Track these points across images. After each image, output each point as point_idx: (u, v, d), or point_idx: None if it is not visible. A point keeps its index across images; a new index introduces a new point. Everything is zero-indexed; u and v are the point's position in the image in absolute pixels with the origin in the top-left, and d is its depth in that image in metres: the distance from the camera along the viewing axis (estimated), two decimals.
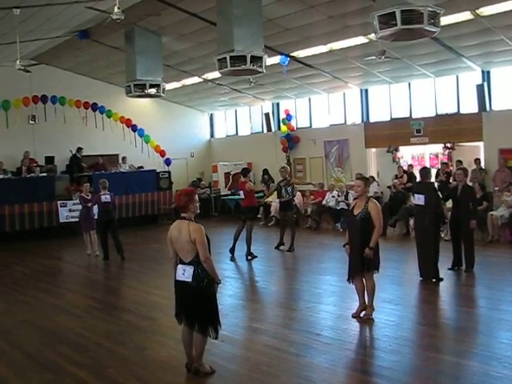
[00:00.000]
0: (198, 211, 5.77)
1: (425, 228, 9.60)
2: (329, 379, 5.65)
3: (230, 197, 20.76)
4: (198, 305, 5.62)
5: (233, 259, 12.36)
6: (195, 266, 5.54)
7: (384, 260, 10.56)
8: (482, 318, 7.69)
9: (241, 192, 12.87)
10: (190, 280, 5.53)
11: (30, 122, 19.08)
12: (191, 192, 5.84)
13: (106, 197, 13.15)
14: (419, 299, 8.95)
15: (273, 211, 18.25)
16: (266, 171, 20.65)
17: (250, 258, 12.28)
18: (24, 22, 12.66)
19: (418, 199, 9.58)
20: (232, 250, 12.53)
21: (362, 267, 7.30)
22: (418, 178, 10.20)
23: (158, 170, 20.74)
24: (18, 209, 16.83)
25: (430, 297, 8.97)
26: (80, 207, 14.13)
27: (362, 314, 7.47)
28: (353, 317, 7.46)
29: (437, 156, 17.62)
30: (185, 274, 5.56)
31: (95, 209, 13.68)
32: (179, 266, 5.65)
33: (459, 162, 15.95)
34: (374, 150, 19.00)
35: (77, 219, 15.11)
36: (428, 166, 17.11)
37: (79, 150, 19.32)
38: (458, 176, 10.32)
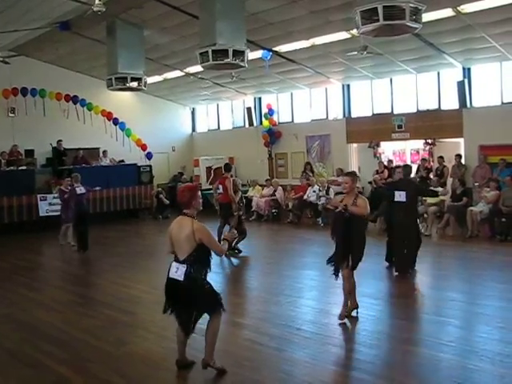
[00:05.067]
0: (201, 208, 5.69)
1: (406, 224, 9.67)
2: (309, 373, 5.68)
3: (211, 191, 20.67)
4: (192, 301, 5.51)
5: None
6: (188, 266, 5.43)
7: (364, 254, 10.70)
8: (460, 313, 7.77)
9: (220, 186, 12.76)
10: (181, 279, 5.44)
11: (10, 114, 18.83)
12: (194, 188, 5.75)
13: (80, 189, 13.42)
14: (399, 293, 9.02)
15: (254, 206, 18.29)
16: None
17: (236, 252, 12.26)
18: (3, 13, 12.51)
19: (400, 196, 9.62)
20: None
21: (346, 264, 7.19)
22: (398, 175, 10.15)
23: (139, 164, 20.63)
24: None
25: (409, 291, 9.04)
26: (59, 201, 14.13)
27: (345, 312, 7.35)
28: (342, 318, 7.21)
29: (418, 152, 17.75)
30: (177, 272, 5.47)
31: None
32: (173, 264, 5.57)
33: (440, 157, 16.13)
34: (355, 145, 19.08)
35: (57, 213, 15.04)
36: (409, 162, 17.28)
37: (58, 142, 19.16)
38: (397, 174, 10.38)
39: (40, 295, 9.53)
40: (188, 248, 5.42)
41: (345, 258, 7.17)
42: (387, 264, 10.39)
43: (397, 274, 9.74)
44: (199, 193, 5.70)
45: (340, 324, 7.13)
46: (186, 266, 5.43)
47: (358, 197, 7.26)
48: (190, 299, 5.50)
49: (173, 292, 5.61)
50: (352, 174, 7.59)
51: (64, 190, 13.87)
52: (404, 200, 9.61)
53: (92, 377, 5.76)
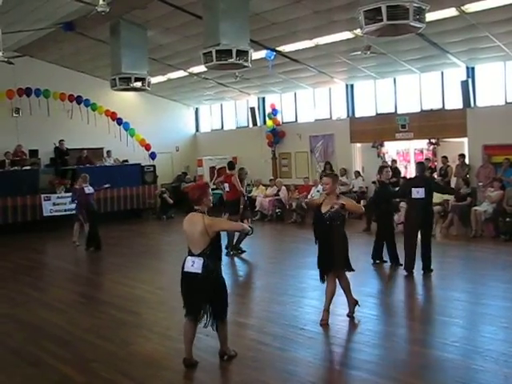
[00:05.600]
0: (211, 205, 5.91)
1: (424, 221, 9.73)
2: (313, 373, 5.68)
3: (215, 191, 20.69)
4: (210, 297, 5.70)
5: (229, 254, 12.21)
6: (205, 258, 5.62)
7: (368, 254, 10.70)
8: (464, 312, 7.75)
9: (226, 185, 12.74)
10: (199, 271, 5.61)
11: (14, 114, 18.89)
12: (205, 186, 6.07)
13: (88, 188, 13.69)
14: (402, 293, 9.01)
15: (258, 206, 18.30)
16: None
17: (239, 252, 12.26)
18: (7, 13, 12.53)
19: (418, 193, 9.64)
20: (227, 247, 12.26)
21: (331, 266, 7.05)
22: (406, 173, 10.34)
23: (142, 164, 20.64)
24: (1, 202, 16.69)
25: (412, 291, 9.04)
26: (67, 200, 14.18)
27: (348, 313, 7.36)
28: (321, 325, 7.02)
29: (422, 151, 17.73)
30: (194, 265, 5.65)
31: None
32: (188, 258, 5.74)
33: (444, 157, 16.11)
34: (359, 145, 19.07)
35: (62, 213, 15.15)
36: (413, 161, 17.28)
37: (60, 142, 19.19)
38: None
39: (44, 295, 9.55)
40: (203, 242, 5.63)
41: (328, 260, 7.03)
42: (372, 262, 10.62)
43: (406, 273, 9.71)
44: (210, 190, 5.94)
45: (343, 323, 7.13)
46: (202, 258, 5.63)
47: (339, 198, 7.09)
48: (206, 291, 5.66)
49: (189, 286, 5.74)
50: (332, 175, 7.45)
51: (77, 189, 14.02)
52: (422, 196, 9.64)
53: (95, 376, 5.77)
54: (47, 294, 9.63)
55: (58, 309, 8.55)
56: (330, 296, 7.14)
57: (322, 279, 7.19)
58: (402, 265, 10.05)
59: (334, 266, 7.04)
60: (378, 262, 10.67)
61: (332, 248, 6.95)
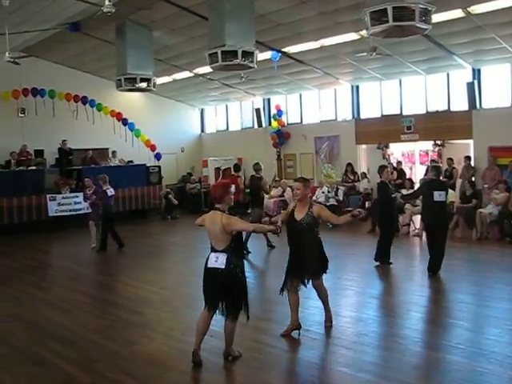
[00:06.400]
0: (232, 203, 6.01)
1: (443, 224, 9.83)
2: (317, 374, 5.67)
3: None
4: (229, 292, 5.75)
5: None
6: (228, 254, 5.71)
7: (372, 256, 10.68)
8: (469, 315, 7.72)
9: (233, 186, 12.80)
10: (222, 267, 5.68)
11: (20, 114, 18.94)
12: (227, 184, 6.20)
13: (111, 190, 13.66)
14: (406, 295, 8.98)
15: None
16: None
17: (245, 252, 12.29)
18: (13, 14, 12.57)
19: (440, 196, 9.66)
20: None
21: (302, 276, 6.74)
22: (411, 175, 10.41)
23: (147, 165, 20.67)
24: (7, 202, 16.73)
25: (418, 293, 9.00)
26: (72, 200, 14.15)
27: (325, 324, 7.07)
28: (282, 335, 6.73)
29: (427, 153, 17.70)
30: (218, 261, 5.73)
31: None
32: (212, 254, 5.82)
33: (449, 159, 16.06)
34: (364, 146, 19.04)
35: (67, 213, 15.13)
36: (418, 163, 17.26)
37: (63, 142, 19.15)
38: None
39: (48, 295, 9.57)
40: (225, 239, 5.73)
41: (298, 270, 6.71)
42: (377, 263, 10.56)
43: (430, 274, 9.70)
44: (231, 189, 6.09)
45: (347, 325, 7.11)
46: (226, 254, 5.71)
47: (313, 205, 6.83)
48: (226, 286, 5.72)
49: (211, 281, 5.79)
50: (303, 180, 6.96)
51: (100, 192, 13.59)
52: (444, 200, 9.72)
53: (99, 376, 5.77)
54: (52, 294, 9.64)
55: (63, 308, 8.57)
56: (295, 307, 6.80)
57: (282, 292, 6.80)
58: (391, 263, 10.37)
59: (311, 274, 6.72)
60: (382, 263, 10.63)
61: (307, 256, 6.65)
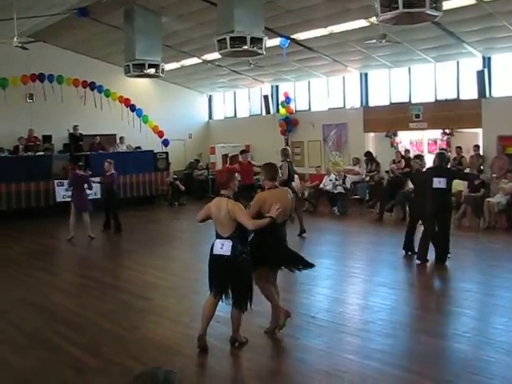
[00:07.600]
0: (237, 189, 6.06)
1: (444, 210, 9.67)
2: (323, 361, 5.68)
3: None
4: (235, 279, 5.78)
5: None
6: (234, 241, 5.71)
7: (380, 244, 10.68)
8: (476, 304, 7.73)
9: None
10: (228, 254, 5.70)
11: (28, 100, 18.92)
12: (232, 170, 6.34)
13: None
14: (414, 283, 8.99)
15: None
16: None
17: None
18: None
19: (439, 182, 9.58)
20: None
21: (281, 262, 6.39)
22: (432, 163, 10.24)
23: (155, 151, 20.68)
24: (15, 187, 16.80)
25: (424, 281, 9.02)
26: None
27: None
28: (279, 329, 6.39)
29: (435, 142, 17.60)
30: (223, 248, 5.74)
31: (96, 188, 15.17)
32: (217, 241, 5.84)
33: (458, 148, 15.98)
34: (372, 134, 18.97)
35: None
36: (426, 152, 17.16)
37: (75, 128, 19.27)
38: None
39: (56, 279, 9.64)
40: (230, 226, 5.73)
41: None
42: (404, 253, 10.36)
43: (420, 262, 9.67)
44: (236, 175, 6.16)
45: (354, 312, 7.12)
46: (231, 241, 5.72)
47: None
48: (232, 273, 5.74)
49: (217, 268, 5.83)
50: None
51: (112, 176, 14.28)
52: (444, 186, 9.60)
53: (106, 360, 5.81)
54: (60, 278, 9.72)
55: (70, 293, 8.64)
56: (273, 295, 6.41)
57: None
58: (428, 260, 9.75)
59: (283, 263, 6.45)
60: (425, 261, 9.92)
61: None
